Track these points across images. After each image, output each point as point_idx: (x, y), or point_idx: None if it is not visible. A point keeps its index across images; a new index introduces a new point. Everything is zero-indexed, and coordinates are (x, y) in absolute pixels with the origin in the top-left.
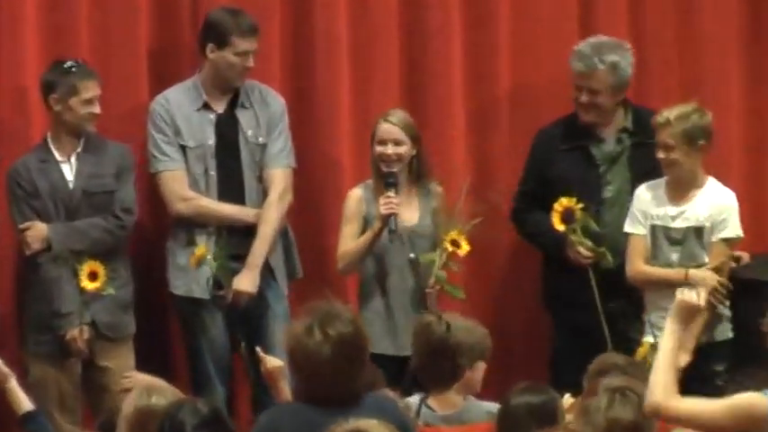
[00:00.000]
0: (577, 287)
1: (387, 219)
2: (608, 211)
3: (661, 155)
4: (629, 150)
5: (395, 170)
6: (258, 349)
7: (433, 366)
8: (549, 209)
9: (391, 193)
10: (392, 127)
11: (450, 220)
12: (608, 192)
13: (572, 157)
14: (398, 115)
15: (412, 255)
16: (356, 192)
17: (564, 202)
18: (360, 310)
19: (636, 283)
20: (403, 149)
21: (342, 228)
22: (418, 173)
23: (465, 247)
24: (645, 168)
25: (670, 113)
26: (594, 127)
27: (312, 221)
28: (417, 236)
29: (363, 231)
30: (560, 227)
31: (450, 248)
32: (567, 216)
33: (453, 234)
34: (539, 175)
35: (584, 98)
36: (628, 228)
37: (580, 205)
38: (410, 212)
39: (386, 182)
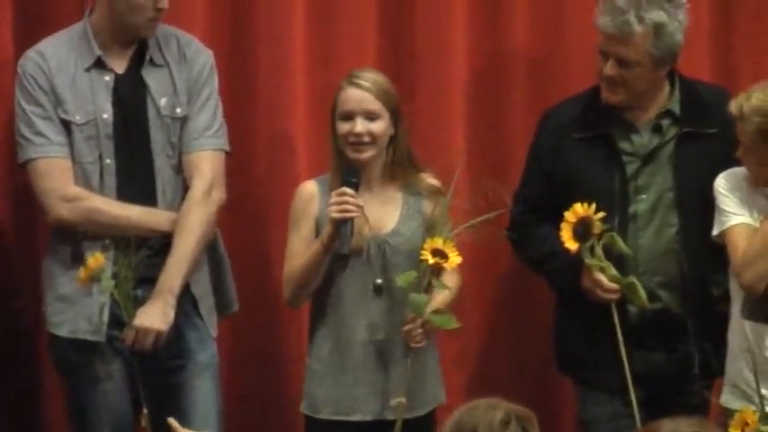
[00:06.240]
0: (606, 339)
1: (339, 226)
2: (640, 230)
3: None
4: (675, 144)
5: (366, 156)
6: (171, 421)
7: None
8: (559, 221)
9: (349, 189)
10: (362, 93)
11: (436, 222)
12: (641, 203)
13: (589, 151)
14: (370, 76)
15: (379, 280)
16: (308, 187)
17: (578, 211)
18: (307, 358)
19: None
20: (378, 126)
21: (288, 238)
22: (396, 160)
23: (454, 259)
24: (699, 170)
25: (747, 101)
26: (624, 110)
27: (254, 230)
28: (392, 251)
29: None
30: (572, 245)
31: (432, 261)
32: (582, 230)
33: (436, 241)
34: (544, 175)
35: (609, 70)
36: (719, 227)
37: (601, 214)
38: (383, 216)
39: (344, 179)
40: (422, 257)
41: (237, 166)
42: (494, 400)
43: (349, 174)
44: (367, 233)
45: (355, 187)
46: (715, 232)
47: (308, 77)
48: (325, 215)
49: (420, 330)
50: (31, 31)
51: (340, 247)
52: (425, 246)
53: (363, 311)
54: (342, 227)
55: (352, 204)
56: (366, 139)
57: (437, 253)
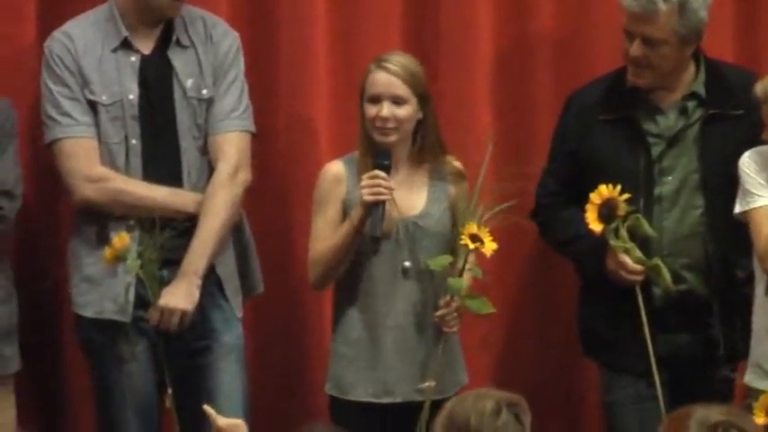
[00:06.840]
0: (630, 322)
1: (371, 209)
2: (665, 212)
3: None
4: (700, 126)
5: (391, 139)
6: (207, 408)
7: None
8: (584, 203)
9: (381, 172)
10: (390, 77)
11: (467, 208)
12: (666, 185)
13: (614, 132)
14: (399, 60)
15: (407, 263)
16: (333, 168)
17: (603, 192)
18: (332, 341)
19: None
20: (405, 111)
21: (313, 220)
22: (425, 145)
23: (490, 245)
24: (724, 152)
25: None
26: (649, 91)
27: (276, 210)
28: (421, 233)
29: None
30: (597, 227)
31: (472, 246)
32: (607, 211)
33: (471, 227)
34: (569, 157)
35: (635, 50)
36: (742, 206)
37: (626, 196)
38: (411, 199)
39: (375, 162)
40: (462, 242)
41: (260, 147)
42: (483, 389)
43: (381, 156)
44: (396, 216)
45: (387, 170)
46: (737, 210)
47: (331, 58)
48: (353, 196)
49: (455, 314)
50: (54, 13)
51: (372, 229)
52: (464, 230)
53: (393, 294)
54: (374, 209)
55: (385, 187)
56: (391, 123)
57: (474, 238)
